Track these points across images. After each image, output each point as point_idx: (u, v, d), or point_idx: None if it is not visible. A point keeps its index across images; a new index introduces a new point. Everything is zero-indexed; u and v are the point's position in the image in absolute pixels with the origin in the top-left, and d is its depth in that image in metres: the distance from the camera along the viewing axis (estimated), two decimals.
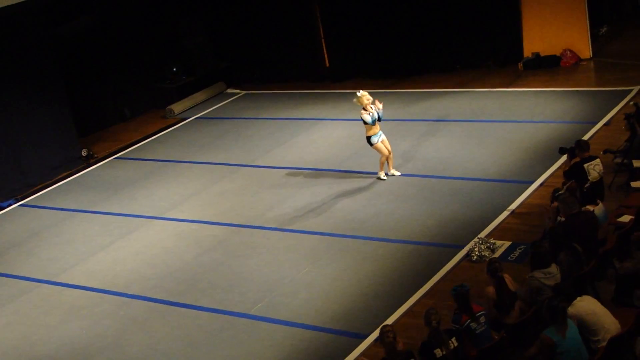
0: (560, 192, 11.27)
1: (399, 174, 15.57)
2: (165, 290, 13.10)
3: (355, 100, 15.23)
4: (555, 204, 11.05)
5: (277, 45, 23.59)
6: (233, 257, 13.71)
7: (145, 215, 16.09)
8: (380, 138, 15.22)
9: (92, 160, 19.97)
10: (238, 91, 23.81)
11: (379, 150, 15.29)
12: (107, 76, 22.31)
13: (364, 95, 15.09)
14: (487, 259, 11.27)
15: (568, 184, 11.43)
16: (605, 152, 13.49)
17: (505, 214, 13.36)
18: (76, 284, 13.88)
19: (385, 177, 15.48)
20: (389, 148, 15.39)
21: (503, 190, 14.17)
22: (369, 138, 15.20)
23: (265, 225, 14.62)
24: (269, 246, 13.86)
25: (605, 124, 16.02)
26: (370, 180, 15.57)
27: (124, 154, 20.27)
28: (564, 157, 12.86)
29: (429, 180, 15.15)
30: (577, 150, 12.02)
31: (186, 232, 15.00)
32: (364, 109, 15.03)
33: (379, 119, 15.17)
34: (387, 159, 15.46)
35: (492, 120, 17.43)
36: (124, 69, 22.67)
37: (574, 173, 11.81)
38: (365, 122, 15.07)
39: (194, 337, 11.67)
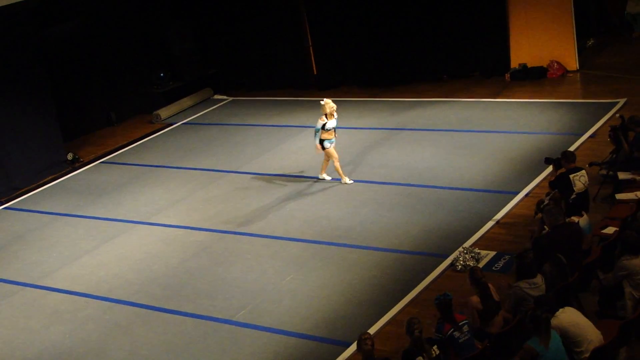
0: (545, 203, 11.30)
1: (329, 178, 16.01)
2: (150, 295, 13.06)
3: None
4: (540, 215, 11.08)
5: (265, 52, 23.61)
6: (218, 263, 13.69)
7: (131, 220, 16.05)
8: (332, 144, 15.54)
9: (77, 164, 19.91)
10: (225, 97, 23.81)
11: (330, 155, 15.64)
12: (94, 80, 22.27)
13: (327, 103, 15.44)
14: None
15: (552, 194, 11.46)
16: (590, 164, 13.53)
17: (490, 224, 13.39)
18: (60, 287, 13.83)
19: (351, 181, 15.81)
20: (335, 157, 15.75)
21: (488, 200, 14.21)
22: (322, 141, 15.50)
23: (251, 232, 14.61)
24: (254, 253, 13.84)
25: (591, 136, 16.09)
26: (355, 188, 15.59)
27: (109, 158, 20.22)
28: (550, 168, 12.90)
29: (414, 189, 15.17)
30: (563, 161, 12.05)
31: (171, 238, 14.96)
32: (325, 116, 15.36)
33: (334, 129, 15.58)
34: (325, 163, 15.99)
35: (479, 131, 17.48)
36: (111, 74, 22.64)
37: (559, 184, 11.84)
38: (318, 131, 15.44)
39: (178, 342, 11.64)
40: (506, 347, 9.13)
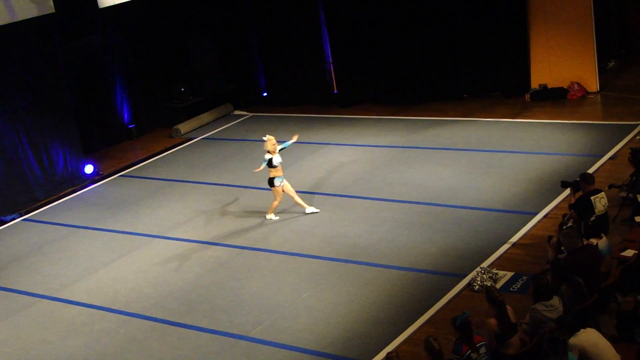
0: (567, 226, 11.24)
1: (317, 210, 15.76)
2: (166, 309, 13.08)
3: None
4: (555, 239, 11.01)
5: (286, 68, 23.68)
6: (235, 279, 13.70)
7: (149, 234, 16.10)
8: (282, 182, 15.45)
9: (97, 178, 20.02)
10: (245, 113, 23.88)
11: (275, 193, 15.47)
12: (115, 94, 22.39)
13: (270, 139, 15.40)
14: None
15: (569, 215, 11.41)
16: (610, 186, 13.47)
17: (507, 244, 13.33)
18: (77, 300, 13.88)
19: (276, 218, 15.73)
20: (292, 191, 15.57)
21: (506, 220, 14.16)
22: (271, 180, 15.39)
23: (268, 248, 14.62)
24: (271, 269, 13.85)
25: (610, 158, 16.03)
26: (373, 206, 15.58)
27: (129, 172, 20.31)
28: (568, 190, 12.84)
29: (432, 208, 15.15)
30: (582, 183, 11.98)
31: (189, 252, 14.99)
32: (269, 152, 15.27)
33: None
34: (298, 199, 15.67)
35: (498, 151, 17.45)
36: (132, 87, 22.76)
37: (580, 206, 11.78)
38: (266, 163, 15.25)
39: (193, 358, 11.64)
40: None
